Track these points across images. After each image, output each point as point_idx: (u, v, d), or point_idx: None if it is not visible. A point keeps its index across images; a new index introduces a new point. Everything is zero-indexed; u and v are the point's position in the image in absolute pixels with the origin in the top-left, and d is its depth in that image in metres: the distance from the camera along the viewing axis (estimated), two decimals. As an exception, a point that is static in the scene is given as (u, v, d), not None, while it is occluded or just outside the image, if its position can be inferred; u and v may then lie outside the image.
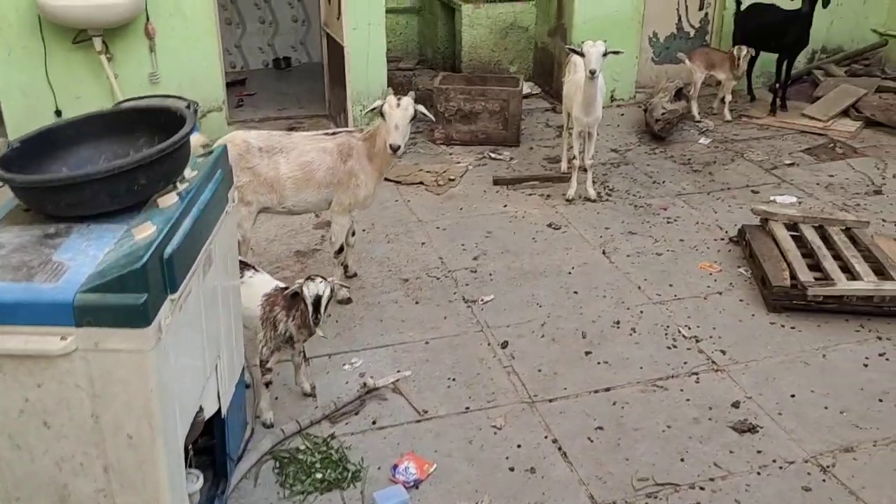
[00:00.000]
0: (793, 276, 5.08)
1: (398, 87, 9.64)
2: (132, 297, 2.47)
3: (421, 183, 6.99)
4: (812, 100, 8.73)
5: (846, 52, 9.58)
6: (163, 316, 2.57)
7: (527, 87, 9.30)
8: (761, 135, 8.19)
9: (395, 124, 4.53)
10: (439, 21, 10.01)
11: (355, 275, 5.42)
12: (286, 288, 3.91)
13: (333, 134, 4.92)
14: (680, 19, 9.09)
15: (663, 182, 7.05)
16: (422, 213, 6.45)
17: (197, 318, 2.95)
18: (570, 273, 5.53)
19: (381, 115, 4.63)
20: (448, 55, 10.01)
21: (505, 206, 6.58)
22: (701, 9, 9.10)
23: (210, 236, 3.05)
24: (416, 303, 5.18)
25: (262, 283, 3.98)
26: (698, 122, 8.42)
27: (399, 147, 4.54)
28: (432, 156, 7.66)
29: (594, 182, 6.95)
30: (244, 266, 3.97)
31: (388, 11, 10.52)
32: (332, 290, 3.84)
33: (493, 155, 7.59)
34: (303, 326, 3.88)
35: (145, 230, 2.65)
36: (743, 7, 8.60)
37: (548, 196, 6.76)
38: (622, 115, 8.81)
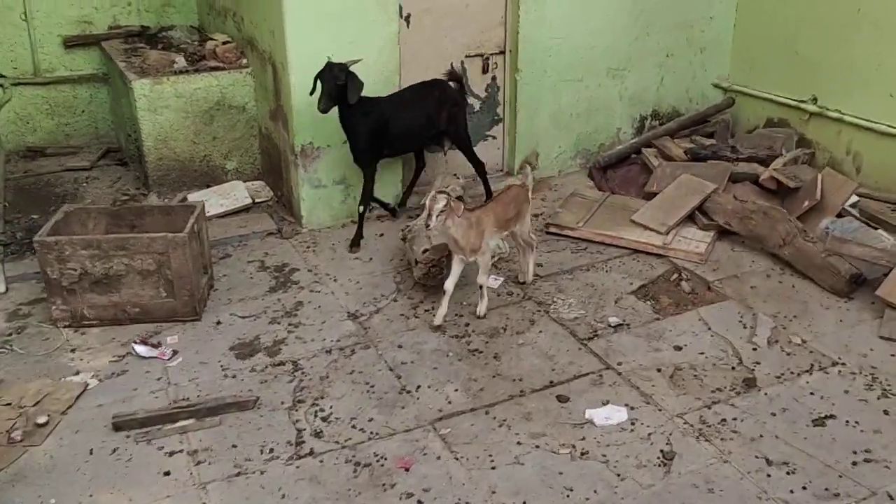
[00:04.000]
0: None
1: (54, 200, 6.46)
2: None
3: (-24, 440, 3.86)
4: (644, 194, 6.24)
5: (683, 116, 7.19)
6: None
7: (248, 193, 6.33)
8: (577, 261, 5.56)
9: None
10: (123, 98, 6.86)
11: None
12: None
13: None
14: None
15: (417, 389, 4.24)
16: (-67, 538, 3.32)
17: None
18: None
19: None
20: (143, 144, 6.88)
21: (112, 492, 3.55)
22: (486, 72, 6.43)
23: None
24: None
25: None
26: (488, 243, 5.72)
27: None
28: (37, 358, 4.52)
29: (297, 404, 4.08)
30: None
31: (61, 81, 7.42)
32: None
33: (140, 350, 4.53)
34: None
35: None
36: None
37: (208, 450, 3.79)
38: (381, 235, 5.98)
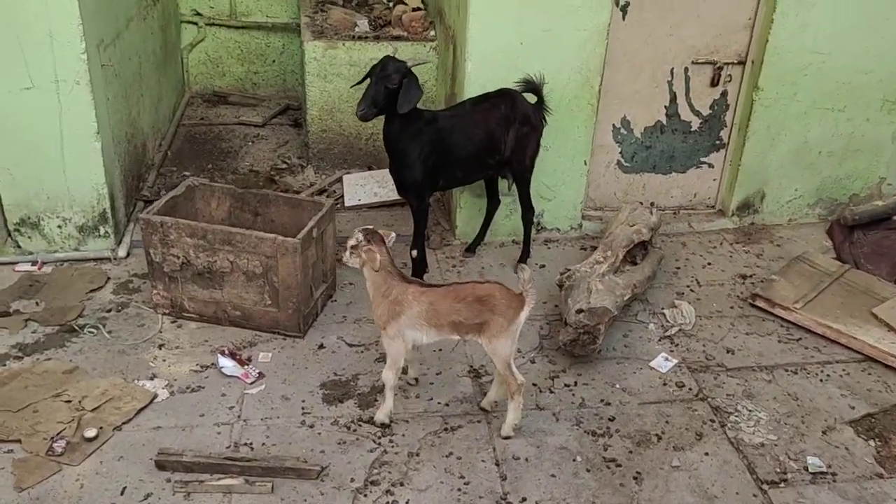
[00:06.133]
0: None
1: (216, 156, 6.09)
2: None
3: (18, 441, 3.43)
4: (899, 277, 4.70)
5: (979, 175, 5.40)
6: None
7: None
8: (782, 356, 4.21)
9: None
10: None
11: None
12: None
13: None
14: (674, 100, 5.12)
15: (521, 503, 3.27)
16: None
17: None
18: None
19: None
20: (319, 107, 6.31)
21: (121, 559, 2.97)
22: (715, 84, 5.09)
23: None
24: None
25: None
26: (661, 310, 4.53)
27: None
28: (122, 348, 4.06)
29: (369, 486, 3.27)
30: None
31: (255, 27, 7.04)
32: None
33: (224, 364, 3.91)
34: None
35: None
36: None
37: (242, 528, 3.10)
38: (542, 266, 4.96)
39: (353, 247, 3.43)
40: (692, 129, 5.21)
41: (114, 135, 4.76)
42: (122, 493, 3.21)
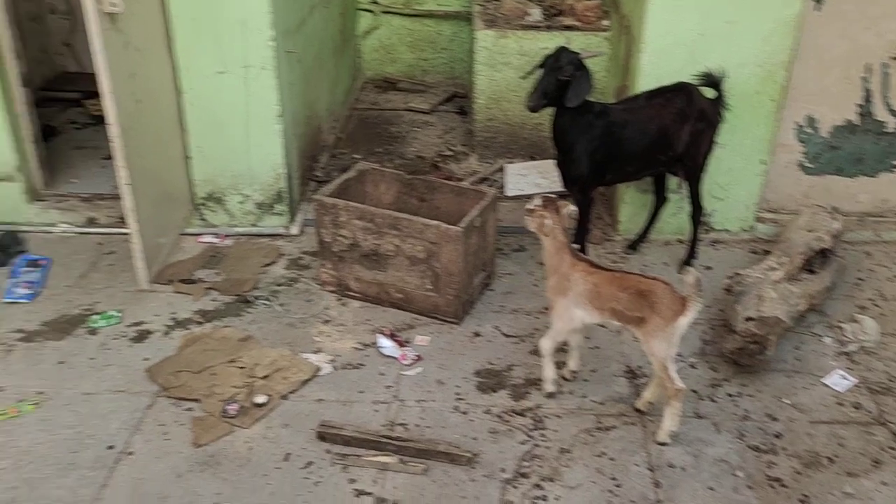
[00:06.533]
0: None
1: (385, 140, 6.27)
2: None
3: (197, 400, 3.70)
4: None
5: None
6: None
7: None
8: (980, 384, 3.83)
9: None
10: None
11: None
12: None
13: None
14: (868, 98, 4.72)
15: (673, 513, 3.17)
16: (112, 504, 3.19)
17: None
18: None
19: None
20: (486, 96, 6.35)
21: (283, 521, 3.14)
22: (918, 82, 4.67)
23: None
24: None
25: None
26: (839, 324, 4.21)
27: None
28: (291, 321, 4.27)
29: (518, 478, 3.28)
30: None
31: (427, 15, 7.18)
32: None
33: (383, 344, 4.02)
34: None
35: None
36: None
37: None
38: (708, 268, 4.75)
39: (529, 210, 3.51)
40: (887, 131, 4.79)
41: (294, 118, 5.01)
42: (285, 459, 3.40)
